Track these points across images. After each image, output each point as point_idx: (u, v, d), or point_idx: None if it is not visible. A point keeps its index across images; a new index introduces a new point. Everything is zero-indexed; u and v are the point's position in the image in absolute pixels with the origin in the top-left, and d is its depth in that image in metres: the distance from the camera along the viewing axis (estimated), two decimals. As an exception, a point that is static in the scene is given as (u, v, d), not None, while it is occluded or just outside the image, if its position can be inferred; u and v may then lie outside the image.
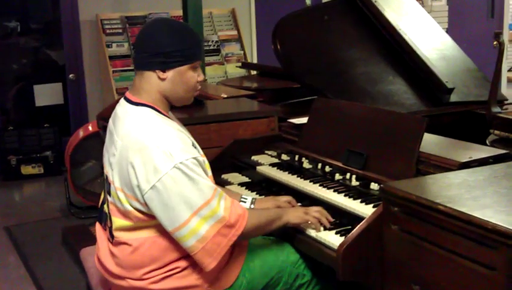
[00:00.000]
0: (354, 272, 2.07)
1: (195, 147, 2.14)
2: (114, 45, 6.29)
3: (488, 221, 1.64)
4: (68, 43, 6.41)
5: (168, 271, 2.10)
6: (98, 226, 2.32)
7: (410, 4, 3.97)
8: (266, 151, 3.06)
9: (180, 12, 5.67)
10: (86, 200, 4.93)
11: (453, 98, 3.42)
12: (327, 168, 2.66)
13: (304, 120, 2.98)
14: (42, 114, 6.50)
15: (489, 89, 2.88)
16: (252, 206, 2.42)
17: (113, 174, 2.10)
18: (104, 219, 2.25)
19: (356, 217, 2.23)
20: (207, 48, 6.53)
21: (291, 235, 2.33)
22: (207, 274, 2.12)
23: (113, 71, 6.19)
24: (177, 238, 2.03)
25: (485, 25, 7.99)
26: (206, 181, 2.05)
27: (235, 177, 2.95)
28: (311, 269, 2.35)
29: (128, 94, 2.20)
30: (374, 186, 2.39)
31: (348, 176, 2.54)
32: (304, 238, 2.27)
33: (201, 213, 2.00)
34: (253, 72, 5.45)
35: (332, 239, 2.16)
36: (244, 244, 2.28)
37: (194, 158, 2.03)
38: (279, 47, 3.48)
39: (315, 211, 2.27)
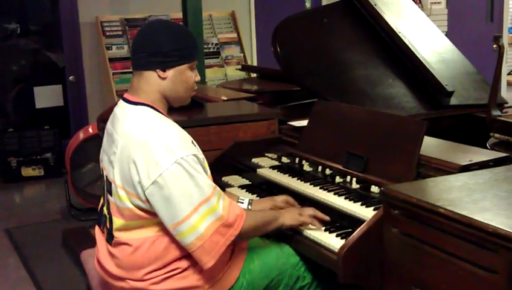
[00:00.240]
0: (355, 274, 2.07)
1: (194, 145, 2.16)
2: (114, 47, 6.30)
3: (488, 224, 1.64)
4: (68, 45, 6.42)
5: (168, 272, 2.11)
6: (97, 229, 2.33)
7: (410, 7, 3.98)
8: (266, 154, 3.06)
9: (180, 15, 5.68)
10: (86, 202, 4.93)
11: (453, 101, 3.42)
12: (327, 171, 2.66)
13: (304, 123, 2.99)
14: (42, 116, 6.50)
15: (489, 92, 2.88)
16: (250, 207, 2.43)
17: (114, 172, 2.11)
18: (103, 221, 2.25)
19: (357, 219, 2.23)
20: (207, 51, 6.54)
21: (291, 237, 2.33)
22: (207, 275, 2.13)
23: (113, 73, 6.20)
24: (176, 234, 2.03)
25: (485, 28, 8.00)
26: (206, 179, 2.06)
27: (235, 179, 2.96)
28: (311, 272, 2.36)
29: (126, 95, 2.21)
30: (375, 189, 2.39)
31: (348, 178, 2.54)
32: (305, 241, 2.28)
33: (201, 210, 2.01)
34: (253, 75, 5.47)
35: (333, 242, 2.17)
36: (244, 245, 2.29)
37: (194, 155, 2.05)
38: (279, 49, 3.49)
39: (309, 212, 2.30)
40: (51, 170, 6.15)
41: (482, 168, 2.20)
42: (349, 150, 2.60)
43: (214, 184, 2.09)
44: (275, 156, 3.00)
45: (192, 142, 2.15)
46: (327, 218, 2.30)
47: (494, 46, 2.80)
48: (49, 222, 4.92)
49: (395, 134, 2.47)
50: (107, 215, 2.20)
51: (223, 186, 2.80)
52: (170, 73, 2.14)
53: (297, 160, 2.83)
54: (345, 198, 2.38)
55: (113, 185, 2.12)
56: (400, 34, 3.56)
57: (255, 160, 3.00)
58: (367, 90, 3.41)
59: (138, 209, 2.07)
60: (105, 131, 2.27)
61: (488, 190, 1.93)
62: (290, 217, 2.28)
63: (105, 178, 2.21)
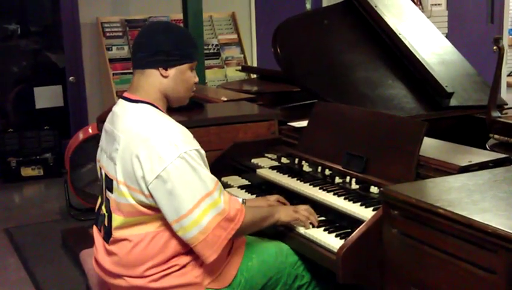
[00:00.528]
0: (354, 274, 2.07)
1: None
2: (114, 48, 6.31)
3: (488, 225, 1.64)
4: (68, 46, 6.42)
5: (167, 269, 2.11)
6: (95, 228, 2.33)
7: (410, 9, 3.98)
8: (266, 154, 3.07)
9: (180, 16, 5.68)
10: (85, 203, 4.92)
11: (453, 102, 3.43)
12: (327, 172, 2.66)
13: (304, 123, 2.99)
14: (42, 116, 6.51)
15: (489, 93, 2.88)
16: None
17: (115, 169, 2.11)
18: (101, 220, 2.25)
19: (356, 220, 2.23)
20: (207, 52, 6.54)
21: (290, 236, 2.34)
22: (206, 272, 2.14)
23: (113, 74, 6.21)
24: (179, 228, 2.03)
25: (485, 30, 8.00)
26: (208, 173, 2.08)
27: (235, 180, 2.96)
28: (310, 271, 2.36)
29: (126, 94, 2.22)
30: (374, 189, 2.40)
31: (347, 179, 2.54)
32: (304, 240, 2.28)
33: (203, 204, 2.02)
34: (253, 76, 5.47)
35: (332, 242, 2.17)
36: (242, 243, 2.29)
37: (197, 150, 2.07)
38: (279, 51, 3.50)
39: (304, 209, 2.34)
40: (50, 170, 6.15)
41: (481, 169, 2.20)
42: (349, 151, 2.61)
43: (215, 178, 2.11)
44: (275, 156, 3.00)
45: (194, 138, 2.17)
46: (316, 223, 2.32)
47: (494, 47, 2.80)
48: (48, 222, 4.92)
49: (395, 135, 2.47)
50: (106, 214, 2.20)
51: (223, 187, 2.79)
52: (172, 72, 2.16)
53: (296, 160, 2.83)
54: (345, 198, 2.38)
55: (114, 182, 2.12)
56: (400, 36, 3.57)
57: (254, 160, 3.00)
58: (367, 92, 3.41)
59: (140, 205, 2.07)
60: (104, 130, 2.28)
61: (487, 190, 1.93)
62: (285, 213, 2.31)
63: (104, 176, 2.22)
